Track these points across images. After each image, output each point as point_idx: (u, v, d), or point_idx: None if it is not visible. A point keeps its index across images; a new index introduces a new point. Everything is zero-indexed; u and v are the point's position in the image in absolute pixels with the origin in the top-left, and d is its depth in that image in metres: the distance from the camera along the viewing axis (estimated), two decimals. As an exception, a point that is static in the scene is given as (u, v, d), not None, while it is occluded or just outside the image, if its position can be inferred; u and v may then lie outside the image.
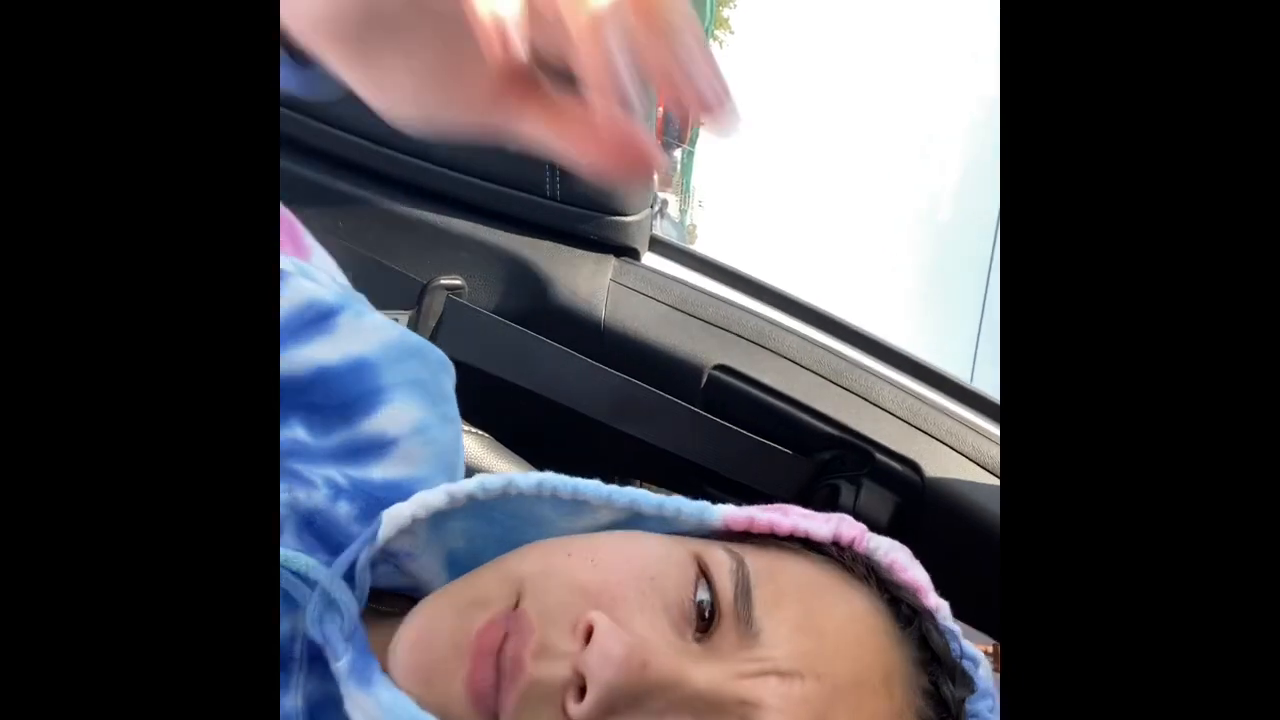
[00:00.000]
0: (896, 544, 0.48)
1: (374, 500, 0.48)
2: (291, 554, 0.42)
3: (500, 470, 0.83)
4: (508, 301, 0.94)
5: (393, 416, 0.49)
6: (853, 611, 0.43)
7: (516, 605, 0.39)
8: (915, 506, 0.92)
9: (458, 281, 0.91)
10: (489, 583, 0.41)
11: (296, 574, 0.43)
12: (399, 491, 0.48)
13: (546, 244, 0.95)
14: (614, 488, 0.46)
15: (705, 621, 0.40)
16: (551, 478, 0.46)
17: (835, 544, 0.47)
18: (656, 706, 0.38)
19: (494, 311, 0.92)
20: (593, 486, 0.46)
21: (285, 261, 0.49)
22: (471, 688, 0.37)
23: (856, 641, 0.42)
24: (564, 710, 0.37)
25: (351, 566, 0.43)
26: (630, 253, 0.99)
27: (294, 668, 0.43)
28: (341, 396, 0.48)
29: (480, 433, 0.82)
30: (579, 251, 0.96)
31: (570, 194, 0.92)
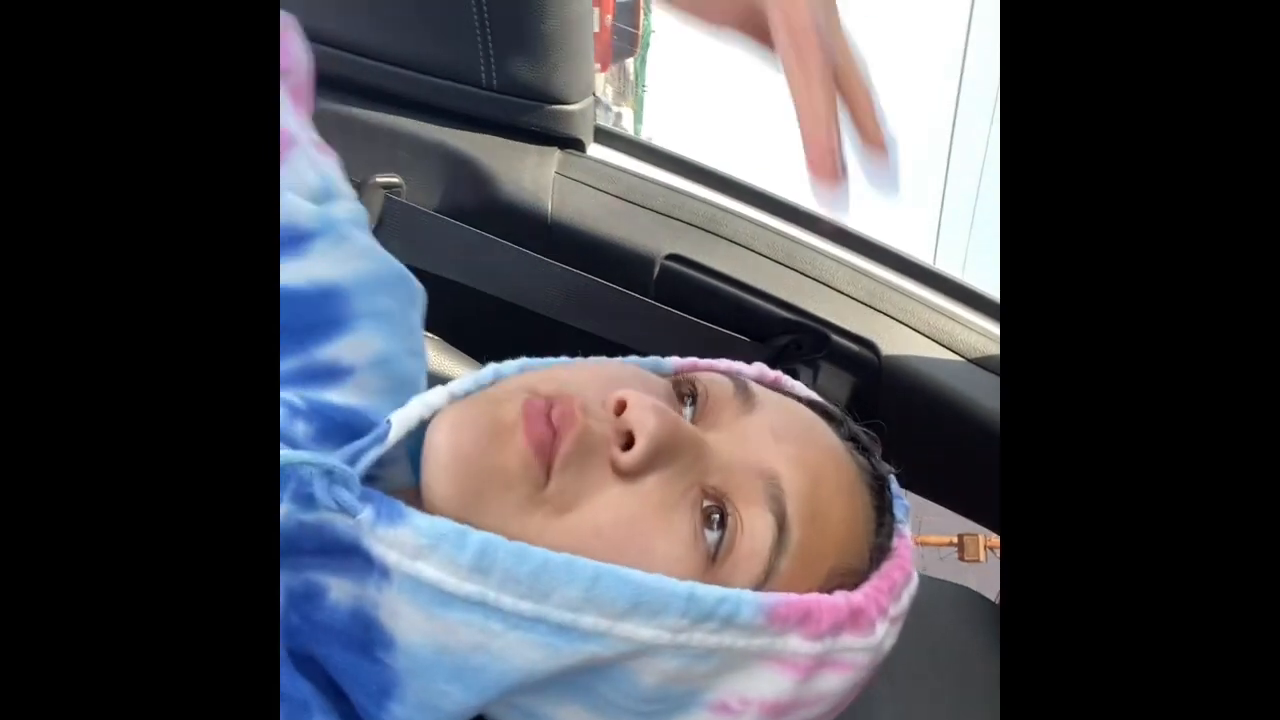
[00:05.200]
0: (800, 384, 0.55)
1: (330, 421, 0.47)
2: (289, 453, 0.40)
3: (455, 373, 0.81)
4: (449, 199, 0.90)
5: (353, 347, 0.49)
6: (804, 412, 0.48)
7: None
8: (873, 386, 0.92)
9: (395, 180, 0.87)
10: (494, 392, 0.43)
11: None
12: (357, 417, 0.48)
13: (486, 138, 0.91)
14: (581, 359, 0.50)
15: (690, 399, 0.45)
16: (531, 362, 0.48)
17: (760, 380, 0.52)
18: (686, 463, 0.42)
19: (435, 210, 0.88)
20: (563, 361, 0.49)
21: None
22: (532, 439, 0.39)
23: (820, 427, 0.48)
24: (611, 463, 0.41)
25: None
26: (575, 144, 0.96)
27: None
28: (303, 320, 0.47)
29: (431, 335, 0.80)
30: (521, 144, 0.92)
31: (508, 83, 0.88)
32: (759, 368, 0.53)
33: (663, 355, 0.92)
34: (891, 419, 0.78)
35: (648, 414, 0.40)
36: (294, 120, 0.50)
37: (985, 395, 0.89)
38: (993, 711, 0.70)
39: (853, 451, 0.49)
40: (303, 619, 0.41)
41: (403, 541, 0.38)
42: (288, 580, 0.41)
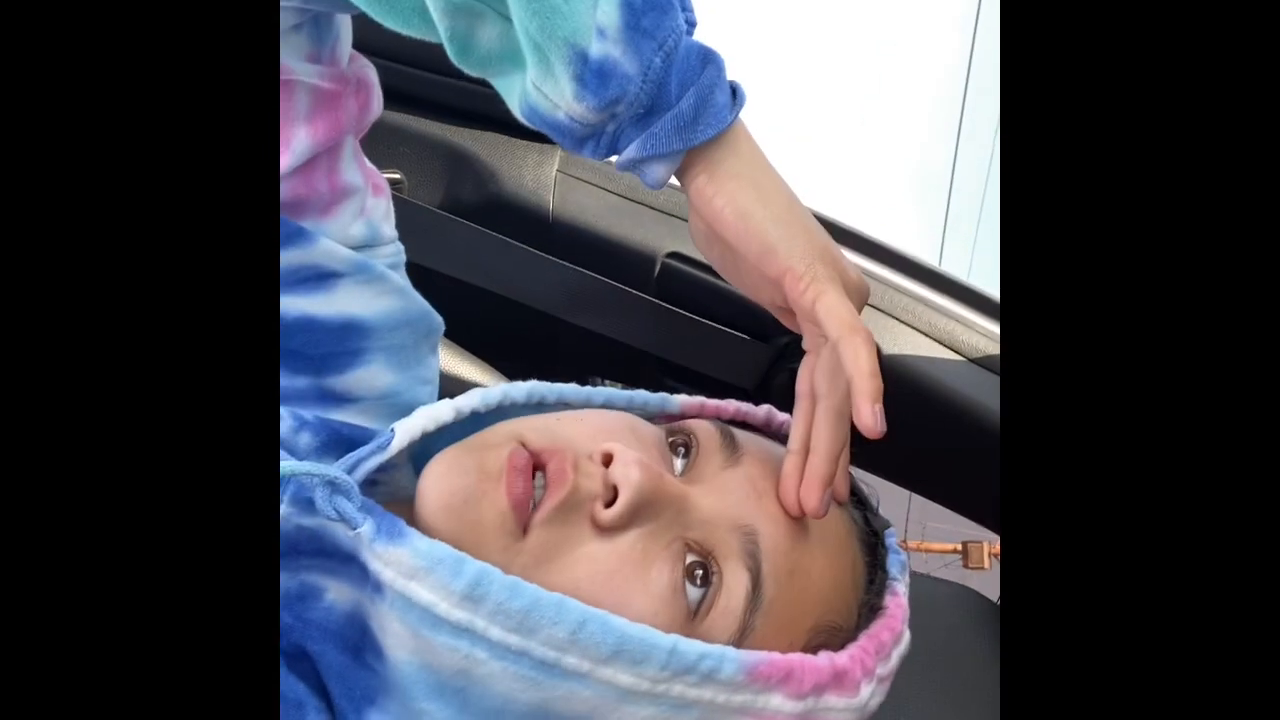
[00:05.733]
0: None
1: (335, 435, 0.47)
2: (291, 463, 0.41)
3: (458, 371, 0.81)
4: (451, 196, 0.91)
5: (362, 380, 0.51)
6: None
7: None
8: (874, 386, 0.92)
9: (397, 176, 0.87)
10: (487, 437, 0.43)
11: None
12: (360, 432, 0.49)
13: (488, 135, 0.91)
14: (590, 388, 0.51)
15: (684, 449, 0.46)
16: (540, 386, 0.49)
17: (767, 425, 0.53)
18: (668, 518, 0.42)
19: (437, 207, 0.89)
20: (573, 389, 0.50)
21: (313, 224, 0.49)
22: (511, 495, 0.40)
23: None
24: (591, 519, 0.41)
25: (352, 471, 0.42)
26: (576, 141, 0.96)
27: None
28: (322, 349, 0.49)
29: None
30: (523, 141, 0.92)
31: (510, 80, 0.88)
32: (767, 411, 0.53)
33: (664, 354, 0.92)
34: (891, 418, 0.78)
35: (631, 469, 0.41)
36: (356, 171, 0.52)
37: (985, 395, 0.89)
38: (993, 710, 0.69)
39: (847, 505, 0.49)
40: (295, 618, 0.42)
41: (399, 560, 0.39)
42: (283, 581, 0.42)
